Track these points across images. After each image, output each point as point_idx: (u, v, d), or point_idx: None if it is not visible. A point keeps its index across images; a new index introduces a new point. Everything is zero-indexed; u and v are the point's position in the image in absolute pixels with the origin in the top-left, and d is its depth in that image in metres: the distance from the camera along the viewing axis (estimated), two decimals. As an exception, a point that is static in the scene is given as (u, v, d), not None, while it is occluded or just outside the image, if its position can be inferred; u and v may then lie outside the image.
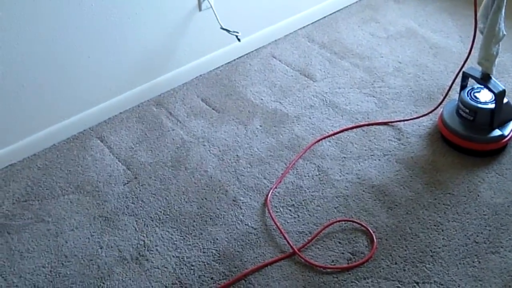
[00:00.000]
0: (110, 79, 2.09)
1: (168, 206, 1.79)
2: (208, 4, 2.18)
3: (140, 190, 1.85)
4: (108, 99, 2.13)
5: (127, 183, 1.88)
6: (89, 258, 1.64)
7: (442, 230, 1.66)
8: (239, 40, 2.23)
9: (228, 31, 2.20)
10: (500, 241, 1.62)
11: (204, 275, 1.58)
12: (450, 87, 1.95)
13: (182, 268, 1.60)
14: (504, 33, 1.72)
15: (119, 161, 1.97)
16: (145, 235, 1.71)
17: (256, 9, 2.40)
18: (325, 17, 2.70)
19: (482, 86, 1.89)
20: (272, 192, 1.81)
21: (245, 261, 1.61)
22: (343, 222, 1.71)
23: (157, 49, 2.17)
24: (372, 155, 1.94)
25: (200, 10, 2.20)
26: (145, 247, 1.67)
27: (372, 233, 1.66)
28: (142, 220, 1.75)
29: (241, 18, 2.35)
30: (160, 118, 2.15)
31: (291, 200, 1.79)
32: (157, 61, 2.20)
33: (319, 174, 1.88)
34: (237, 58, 2.44)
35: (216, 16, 2.19)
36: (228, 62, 2.42)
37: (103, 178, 1.90)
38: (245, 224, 1.72)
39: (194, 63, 2.31)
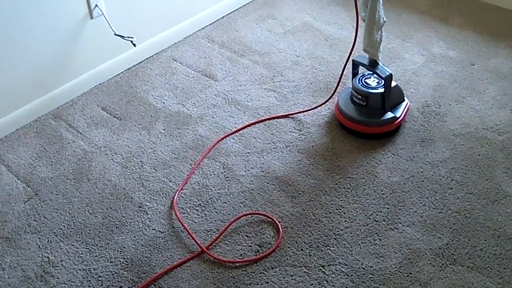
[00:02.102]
0: (3, 95, 2.01)
1: (72, 220, 1.75)
2: (100, 11, 2.15)
3: (41, 207, 1.79)
4: (2, 116, 2.04)
5: (28, 201, 1.81)
6: (-10, 282, 1.57)
7: (344, 213, 1.73)
8: (134, 45, 2.20)
9: (122, 37, 2.17)
10: (398, 217, 1.70)
11: (112, 285, 1.56)
12: (341, 75, 2.02)
13: (90, 281, 1.57)
14: (384, 19, 1.81)
15: (18, 179, 1.89)
16: (49, 251, 1.65)
17: (152, 14, 2.39)
18: (223, 17, 2.72)
19: (372, 72, 1.98)
20: (178, 194, 1.81)
21: (154, 266, 1.60)
22: (249, 216, 1.73)
23: (51, 60, 2.11)
24: (275, 148, 1.98)
25: (91, 17, 2.15)
26: (50, 264, 1.62)
27: (278, 223, 1.70)
28: (46, 236, 1.70)
29: (137, 24, 2.33)
30: (60, 131, 2.09)
31: (198, 200, 1.80)
32: (52, 73, 2.14)
33: (224, 171, 1.89)
34: (137, 64, 2.42)
35: (108, 22, 2.16)
36: (128, 68, 2.39)
37: (1, 198, 1.82)
38: (152, 229, 1.71)
39: (92, 71, 2.26)
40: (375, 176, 1.85)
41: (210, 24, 2.67)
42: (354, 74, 2.02)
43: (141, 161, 1.94)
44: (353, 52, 1.95)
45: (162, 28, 2.47)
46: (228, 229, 1.69)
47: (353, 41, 1.90)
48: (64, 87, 2.20)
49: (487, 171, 1.85)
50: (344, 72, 2.04)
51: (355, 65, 2.00)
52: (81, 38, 2.16)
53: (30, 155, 1.98)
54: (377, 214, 1.72)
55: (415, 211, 1.72)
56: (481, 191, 1.78)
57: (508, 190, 1.78)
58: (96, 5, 2.13)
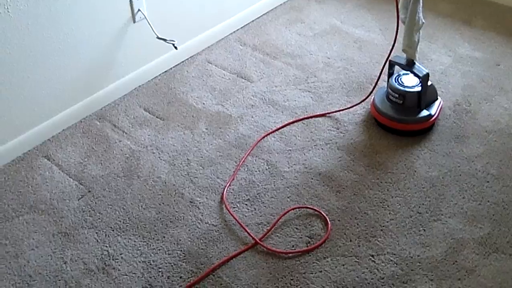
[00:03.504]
0: (50, 97, 2.09)
1: (127, 215, 1.82)
2: (142, 15, 2.23)
3: (95, 203, 1.87)
4: (50, 117, 2.12)
5: (82, 198, 1.89)
6: (55, 274, 1.64)
7: (388, 206, 1.81)
8: (176, 48, 2.29)
9: (164, 40, 2.25)
10: (440, 209, 1.78)
11: (173, 276, 1.63)
12: (380, 75, 2.10)
13: (150, 272, 1.64)
14: (423, 21, 1.89)
15: (69, 177, 1.97)
16: (107, 245, 1.73)
17: (188, 18, 2.47)
18: (253, 21, 2.81)
19: (408, 72, 2.06)
20: (226, 190, 1.89)
21: (211, 257, 1.67)
22: (297, 210, 1.81)
23: (95, 63, 2.19)
24: (315, 145, 2.06)
25: (134, 21, 2.24)
26: (109, 257, 1.69)
27: (325, 216, 1.77)
28: (103, 231, 1.77)
29: (175, 27, 2.41)
30: (105, 131, 2.16)
31: (246, 195, 1.87)
32: (96, 75, 2.22)
33: (268, 168, 1.97)
34: (174, 67, 2.50)
35: (151, 26, 2.24)
36: (165, 71, 2.47)
37: (56, 196, 1.90)
38: (205, 223, 1.78)
39: (132, 74, 2.34)
40: (414, 171, 1.93)
41: (241, 28, 2.76)
42: (390, 73, 2.10)
43: (188, 159, 2.02)
44: (383, 53, 2.03)
45: (197, 31, 2.55)
46: (278, 222, 1.77)
47: (392, 41, 1.98)
48: (107, 89, 2.28)
49: (521, 165, 1.93)
50: (374, 72, 2.12)
51: (392, 65, 2.08)
52: (124, 41, 2.25)
53: (79, 154, 2.06)
54: (419, 207, 1.80)
55: (456, 203, 1.80)
56: (517, 184, 1.86)
57: (542, 183, 1.86)
58: (139, 9, 2.21)
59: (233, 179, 1.93)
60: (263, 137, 2.10)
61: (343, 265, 1.63)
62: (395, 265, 1.62)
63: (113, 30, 2.19)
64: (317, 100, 2.27)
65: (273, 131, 2.12)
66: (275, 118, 2.19)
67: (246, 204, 1.84)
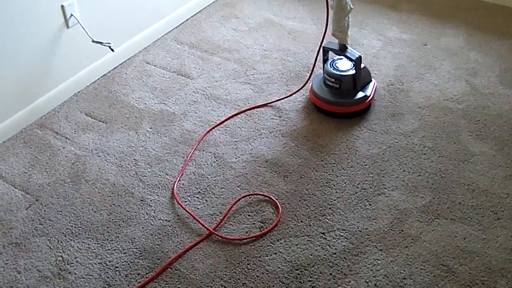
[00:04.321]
0: (-13, 109, 2.04)
1: (78, 219, 1.81)
2: (75, 20, 2.21)
3: (44, 211, 1.84)
4: (-12, 129, 2.07)
5: (30, 207, 1.86)
6: (9, 285, 1.61)
7: (334, 185, 1.88)
8: (112, 50, 2.28)
9: (101, 43, 2.24)
10: (383, 184, 1.87)
11: (130, 274, 1.64)
12: (315, 61, 2.18)
13: (107, 272, 1.64)
14: (352, 6, 1.97)
15: (15, 187, 1.93)
16: (61, 250, 1.71)
17: (122, 20, 2.47)
18: (188, 19, 2.83)
19: (341, 57, 2.14)
20: (176, 185, 1.90)
21: (167, 251, 1.69)
22: (248, 197, 1.85)
23: (31, 71, 2.15)
24: (259, 135, 2.10)
25: (68, 27, 2.21)
26: (64, 262, 1.68)
27: (275, 200, 1.82)
28: (55, 237, 1.75)
29: (109, 30, 2.40)
30: (47, 139, 2.13)
31: (196, 188, 1.90)
32: (33, 84, 2.18)
33: (216, 160, 2.00)
34: (112, 70, 2.49)
35: (85, 30, 2.23)
36: (104, 75, 2.46)
37: (3, 207, 1.86)
38: (158, 219, 1.80)
39: (71, 80, 2.32)
40: (356, 150, 2.01)
41: (176, 27, 2.77)
42: (325, 60, 2.18)
43: (135, 159, 2.02)
44: (316, 42, 2.11)
45: (133, 33, 2.55)
46: (230, 210, 1.80)
47: (324, 28, 2.05)
48: (45, 97, 2.24)
49: (453, 136, 2.05)
50: (310, 60, 2.19)
51: (326, 51, 2.16)
52: (59, 47, 2.22)
53: (23, 164, 2.02)
54: (363, 183, 1.88)
55: (397, 177, 1.89)
56: (451, 154, 1.97)
57: (474, 150, 1.98)
58: (72, 14, 2.19)
59: (182, 174, 1.95)
60: (208, 131, 2.13)
61: (296, 245, 1.69)
62: (345, 240, 1.69)
63: (47, 37, 2.16)
64: (258, 92, 2.32)
65: (218, 125, 2.16)
66: (218, 112, 2.22)
67: (197, 197, 1.87)
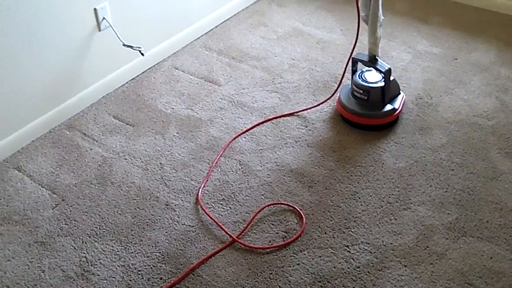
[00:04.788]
0: (18, 108, 2.07)
1: (103, 221, 1.82)
2: (107, 23, 2.24)
3: (70, 211, 1.86)
4: (18, 128, 2.10)
5: (56, 206, 1.88)
6: (33, 284, 1.63)
7: (359, 198, 1.86)
8: (142, 54, 2.30)
9: (131, 47, 2.26)
10: (409, 198, 1.85)
11: (152, 277, 1.64)
12: (344, 72, 2.17)
13: (130, 275, 1.65)
14: (383, 18, 1.97)
15: (42, 187, 1.96)
16: (85, 251, 1.73)
17: (153, 25, 2.49)
18: (217, 26, 2.85)
19: (370, 68, 2.13)
20: (201, 191, 1.91)
21: (190, 257, 1.69)
22: (272, 206, 1.85)
23: (62, 73, 2.18)
24: (285, 144, 2.10)
25: (99, 30, 2.24)
26: (88, 263, 1.69)
27: (300, 210, 1.81)
28: (79, 238, 1.77)
29: (140, 34, 2.43)
30: (75, 140, 2.16)
31: (221, 195, 1.90)
32: (63, 85, 2.21)
33: (241, 167, 2.00)
34: (141, 74, 2.51)
35: (116, 34, 2.25)
36: (133, 78, 2.48)
37: (29, 206, 1.88)
38: (182, 224, 1.80)
39: (100, 82, 2.35)
40: (382, 163, 1.99)
41: (206, 33, 2.79)
42: (354, 71, 2.17)
43: (161, 163, 2.03)
44: (345, 52, 2.10)
45: (163, 38, 2.57)
46: (254, 219, 1.80)
47: (354, 40, 2.05)
48: (74, 98, 2.27)
49: (482, 152, 2.02)
50: (338, 71, 2.18)
51: (355, 62, 2.15)
52: (90, 50, 2.25)
53: (50, 164, 2.05)
54: (389, 197, 1.86)
55: (423, 192, 1.87)
56: (479, 171, 1.94)
57: (503, 168, 1.95)
58: (104, 18, 2.22)
59: (207, 180, 1.96)
60: (234, 138, 2.13)
61: (320, 256, 1.68)
62: (369, 253, 1.68)
63: (78, 39, 2.19)
64: (285, 100, 2.32)
65: (244, 132, 2.16)
66: (244, 119, 2.23)
67: (221, 204, 1.87)
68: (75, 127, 2.23)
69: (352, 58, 2.14)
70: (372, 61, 2.07)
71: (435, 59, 2.53)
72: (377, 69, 2.07)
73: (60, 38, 2.12)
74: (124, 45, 2.27)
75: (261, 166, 2.00)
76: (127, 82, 2.46)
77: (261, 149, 2.08)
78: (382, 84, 2.08)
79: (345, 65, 2.17)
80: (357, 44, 2.07)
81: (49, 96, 2.17)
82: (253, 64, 2.56)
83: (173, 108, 2.30)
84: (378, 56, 2.06)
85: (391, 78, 2.10)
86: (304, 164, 2.01)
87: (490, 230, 1.73)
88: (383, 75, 2.06)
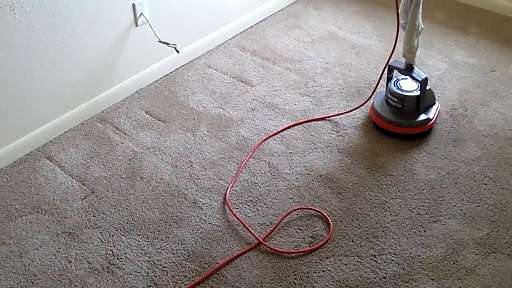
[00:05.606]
0: (53, 99, 2.10)
1: (131, 215, 1.83)
2: (144, 19, 2.25)
3: (99, 203, 1.88)
4: (52, 118, 2.13)
5: (85, 198, 1.90)
6: (59, 273, 1.65)
7: (388, 207, 1.84)
8: (177, 51, 2.31)
9: (167, 43, 2.28)
10: (439, 211, 1.81)
11: (177, 275, 1.65)
12: (379, 79, 2.14)
13: (155, 271, 1.66)
14: (423, 26, 1.93)
15: (72, 178, 1.98)
16: (112, 245, 1.74)
17: (189, 22, 2.50)
18: (252, 26, 2.84)
19: (406, 77, 2.10)
20: (229, 191, 1.91)
21: (215, 257, 1.69)
22: (300, 211, 1.84)
23: (97, 66, 2.21)
24: (315, 148, 2.08)
25: (136, 25, 2.26)
26: (114, 256, 1.70)
27: (327, 216, 1.80)
28: (107, 231, 1.78)
29: (175, 31, 2.44)
30: (107, 133, 2.18)
31: (248, 196, 1.89)
32: (98, 78, 2.23)
33: (270, 170, 2.00)
34: (174, 70, 2.52)
35: (153, 30, 2.27)
36: (166, 75, 2.50)
37: (59, 196, 1.91)
38: (209, 223, 1.80)
39: (134, 77, 2.36)
40: (414, 173, 1.96)
41: (240, 33, 2.79)
42: (389, 78, 2.14)
43: (190, 161, 2.04)
44: (380, 59, 2.07)
45: (197, 36, 2.58)
46: (281, 222, 1.79)
47: (392, 47, 2.02)
48: (108, 92, 2.29)
49: (517, 168, 1.97)
50: (372, 77, 2.16)
51: (391, 69, 2.12)
52: (126, 44, 2.27)
53: (82, 156, 2.07)
54: (419, 208, 1.83)
55: (455, 205, 1.83)
56: (514, 187, 1.90)
57: (538, 185, 1.90)
58: (142, 13, 2.24)
59: (235, 180, 1.95)
60: (264, 139, 2.12)
61: (346, 264, 1.66)
62: (396, 265, 1.65)
63: (115, 34, 2.21)
64: (317, 104, 2.31)
65: (274, 134, 2.15)
66: (275, 122, 2.22)
67: (248, 205, 1.86)
68: (107, 120, 2.25)
69: (388, 65, 2.11)
70: (408, 69, 2.04)
71: (472, 70, 2.48)
72: (413, 78, 2.04)
73: (98, 31, 2.14)
74: (160, 41, 2.29)
75: (290, 170, 1.99)
76: (160, 78, 2.48)
77: (291, 152, 2.07)
78: (418, 93, 2.05)
79: (380, 71, 2.14)
80: (394, 51, 2.04)
81: (83, 88, 2.20)
82: (287, 66, 2.55)
83: (204, 107, 2.30)
84: (414, 65, 2.03)
85: (427, 87, 2.07)
86: (334, 170, 1.99)
87: (522, 248, 1.69)
88: (419, 84, 2.03)
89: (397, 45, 2.02)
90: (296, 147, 2.09)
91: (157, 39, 2.29)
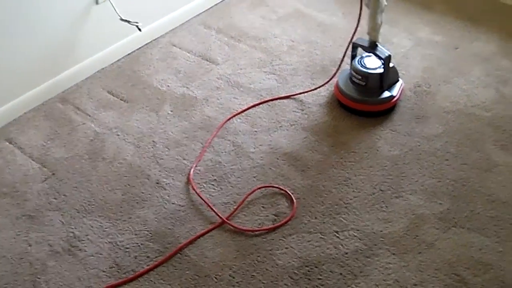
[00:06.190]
0: (10, 79, 2.05)
1: (92, 197, 1.81)
2: (105, -4, 2.21)
3: (60, 185, 1.85)
4: (10, 99, 2.08)
5: (45, 180, 1.87)
6: (19, 257, 1.63)
7: (351, 184, 1.85)
8: (140, 30, 2.27)
9: (128, 21, 2.23)
10: (401, 187, 1.83)
11: (140, 255, 1.63)
12: (343, 57, 2.14)
13: (117, 252, 1.64)
14: (385, 3, 1.93)
15: (32, 160, 1.94)
16: (73, 227, 1.72)
17: (151, 0, 2.45)
18: (217, 4, 2.80)
19: (370, 54, 2.10)
20: (193, 170, 1.89)
21: (178, 237, 1.68)
22: (264, 189, 1.84)
23: (57, 45, 2.15)
24: (280, 126, 2.08)
25: (97, 3, 2.21)
26: (75, 238, 1.68)
27: (291, 194, 1.80)
28: (68, 213, 1.76)
29: (138, 9, 2.39)
30: (68, 113, 2.14)
31: (213, 175, 1.88)
32: (58, 57, 2.18)
33: (234, 149, 1.99)
34: (138, 49, 2.48)
35: (114, 8, 2.22)
36: (129, 54, 2.45)
37: (19, 178, 1.87)
38: (172, 203, 1.79)
39: (96, 56, 2.31)
40: (377, 150, 1.97)
41: (205, 11, 2.75)
42: (353, 56, 2.14)
43: (153, 141, 2.01)
44: (346, 36, 2.07)
45: (161, 14, 2.54)
46: (245, 201, 1.79)
47: (356, 24, 2.01)
48: (69, 71, 2.24)
49: (478, 144, 2.00)
50: (338, 55, 2.16)
51: (355, 47, 2.12)
52: (87, 23, 2.21)
53: (42, 137, 2.03)
54: (382, 184, 1.84)
55: (416, 181, 1.86)
56: (474, 162, 1.93)
57: (497, 160, 1.93)
58: (102, -9, 2.19)
59: (200, 160, 1.94)
60: (229, 118, 2.11)
61: (309, 241, 1.67)
62: (359, 240, 1.67)
63: (75, 11, 2.15)
64: (282, 83, 2.30)
65: (239, 113, 2.14)
66: (240, 100, 2.20)
67: (212, 184, 1.85)
68: (68, 100, 2.20)
69: (352, 43, 2.11)
70: (371, 47, 2.04)
71: (436, 47, 2.50)
72: (376, 55, 2.04)
73: (57, 9, 2.08)
74: (121, 19, 2.24)
75: (254, 148, 1.99)
76: (123, 57, 2.43)
77: (256, 131, 2.06)
78: (381, 70, 2.05)
79: (344, 49, 2.13)
80: (358, 29, 2.03)
81: (43, 68, 2.15)
82: (252, 44, 2.52)
83: (168, 86, 2.27)
84: (378, 42, 2.03)
85: (391, 65, 2.07)
86: (298, 148, 1.99)
87: (481, 221, 1.72)
88: (382, 61, 2.04)
89: (361, 22, 2.01)
90: (261, 125, 2.09)
91: (118, 17, 2.23)
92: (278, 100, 2.21)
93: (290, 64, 2.40)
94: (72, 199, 1.80)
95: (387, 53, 2.01)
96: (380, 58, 2.03)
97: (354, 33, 2.04)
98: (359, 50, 2.13)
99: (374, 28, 1.96)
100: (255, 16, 2.73)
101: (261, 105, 2.18)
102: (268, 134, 2.05)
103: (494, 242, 1.66)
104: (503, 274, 1.57)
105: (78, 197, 1.81)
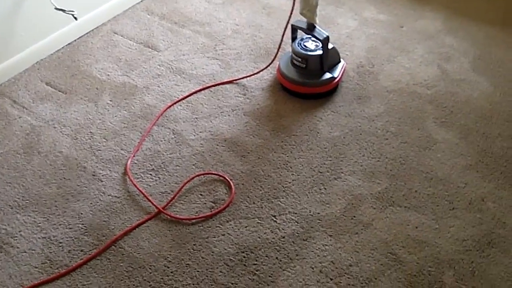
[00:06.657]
0: None
1: (26, 192, 1.77)
2: (37, -15, 2.14)
3: (-7, 181, 1.80)
4: None
5: (-22, 177, 1.82)
6: None
7: (291, 167, 1.84)
8: (75, 18, 2.21)
9: (63, 10, 2.17)
10: (340, 168, 1.83)
11: (73, 250, 1.60)
12: (281, 40, 2.11)
13: (50, 247, 1.61)
14: (318, -17, 1.91)
15: (-35, 156, 1.89)
16: (6, 223, 1.68)
17: (90, -13, 2.39)
18: (161, -11, 2.75)
19: (310, 36, 2.08)
20: (131, 161, 1.86)
21: (113, 229, 1.66)
22: (202, 176, 1.81)
23: (-11, 37, 2.09)
24: (221, 112, 2.06)
25: (29, -8, 2.14)
26: (8, 235, 1.64)
27: (229, 180, 1.78)
28: (0, 209, 1.72)
29: (75, -3, 2.33)
30: (4, 107, 2.08)
31: (151, 165, 1.86)
32: (-8, 50, 2.12)
33: (174, 137, 1.96)
34: (78, 38, 2.42)
35: (47, -4, 2.16)
36: (69, 43, 2.39)
37: (-50, 176, 1.82)
38: (108, 195, 1.76)
39: (33, 47, 2.25)
40: (317, 132, 1.96)
41: (149, -3, 2.70)
42: (293, 38, 2.12)
43: (91, 132, 1.97)
44: (291, 18, 2.04)
45: (102, 1, 2.47)
46: (182, 189, 1.77)
47: (291, 7, 1.98)
48: (4, 64, 2.18)
49: (418, 122, 2.00)
50: (279, 38, 2.13)
51: (294, 29, 2.10)
52: (21, 13, 2.15)
53: (-24, 133, 1.98)
54: (321, 166, 1.84)
55: (356, 161, 1.85)
56: (414, 140, 1.93)
57: (437, 137, 1.94)
58: (33, -20, 2.12)
59: (138, 149, 1.91)
60: (169, 106, 2.08)
61: (246, 227, 1.66)
62: (296, 223, 1.66)
63: (8, 1, 2.08)
64: (225, 68, 2.27)
65: (180, 100, 2.10)
66: (182, 87, 2.17)
67: (150, 174, 1.83)
68: (5, 94, 2.14)
69: (291, 25, 2.08)
70: (310, 29, 2.02)
71: (381, 27, 2.49)
72: (314, 37, 2.02)
73: (-15, 0, 2.02)
74: (56, 8, 2.17)
75: (194, 135, 1.96)
76: (63, 47, 2.37)
77: (196, 118, 2.03)
78: (321, 52, 2.04)
79: (283, 31, 2.11)
80: (293, 11, 2.01)
81: (-24, 62, 2.08)
82: (196, 29, 2.48)
83: (108, 75, 2.23)
84: (316, 23, 2.01)
85: (331, 46, 2.06)
86: (239, 133, 1.97)
87: (418, 199, 1.73)
88: (321, 43, 2.02)
89: (297, 5, 1.99)
90: (202, 112, 2.06)
91: (53, 6, 2.17)
92: (220, 86, 2.18)
93: (234, 49, 2.37)
94: (5, 195, 1.76)
95: (325, 34, 1.99)
96: (318, 39, 2.01)
97: (290, 15, 2.01)
98: (300, 32, 2.11)
99: (308, 9, 1.94)
100: (200, 0, 2.68)
101: (202, 91, 2.15)
102: (209, 120, 2.02)
103: (430, 220, 1.67)
104: (438, 251, 1.58)
105: (12, 193, 1.76)
